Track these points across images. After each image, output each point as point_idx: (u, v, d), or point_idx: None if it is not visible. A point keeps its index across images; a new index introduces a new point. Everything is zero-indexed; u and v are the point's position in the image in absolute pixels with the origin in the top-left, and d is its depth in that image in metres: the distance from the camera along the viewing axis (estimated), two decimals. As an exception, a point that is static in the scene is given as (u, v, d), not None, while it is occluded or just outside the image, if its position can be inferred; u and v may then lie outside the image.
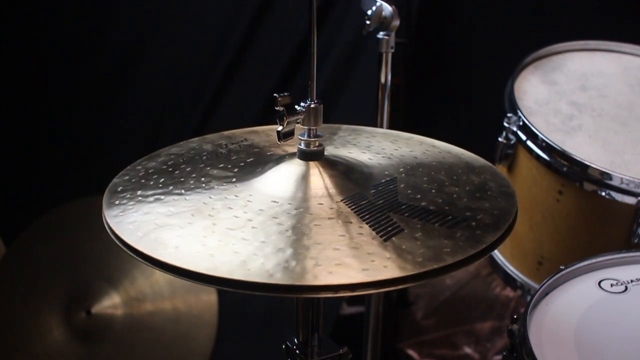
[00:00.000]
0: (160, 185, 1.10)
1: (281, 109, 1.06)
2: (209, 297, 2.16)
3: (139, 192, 1.08)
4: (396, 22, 1.57)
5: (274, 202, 1.03)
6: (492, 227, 1.00)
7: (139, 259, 0.96)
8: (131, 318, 2.13)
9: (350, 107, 2.26)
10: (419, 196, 1.06)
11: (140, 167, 1.16)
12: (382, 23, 1.57)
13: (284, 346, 1.20)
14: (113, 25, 2.49)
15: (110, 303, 2.14)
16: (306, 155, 1.10)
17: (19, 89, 2.55)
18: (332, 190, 1.05)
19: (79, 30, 2.50)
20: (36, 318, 2.19)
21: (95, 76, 2.52)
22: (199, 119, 2.41)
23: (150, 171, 1.15)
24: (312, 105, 1.08)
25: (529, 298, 1.27)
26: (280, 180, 1.07)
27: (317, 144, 1.10)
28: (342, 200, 1.03)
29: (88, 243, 2.20)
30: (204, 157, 1.18)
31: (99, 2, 2.49)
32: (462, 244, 0.95)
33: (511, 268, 1.77)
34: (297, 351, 1.18)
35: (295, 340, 1.18)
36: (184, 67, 2.47)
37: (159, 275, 2.12)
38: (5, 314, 2.25)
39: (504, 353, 1.21)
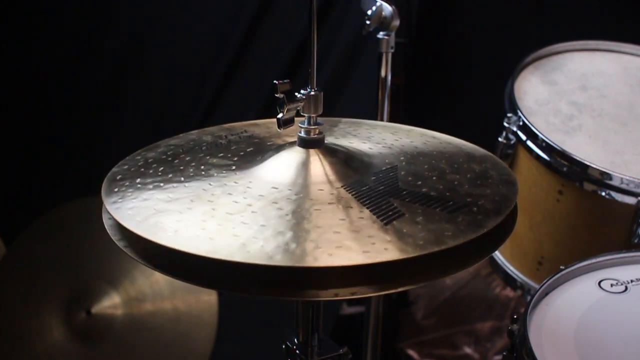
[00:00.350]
0: (160, 174, 1.09)
1: (281, 96, 1.06)
2: (209, 297, 2.16)
3: (138, 180, 1.08)
4: (396, 22, 1.57)
5: (274, 188, 1.03)
6: (493, 212, 0.99)
7: (139, 259, 0.96)
8: (131, 318, 2.13)
9: (351, 107, 2.26)
10: (419, 183, 1.06)
11: (139, 157, 1.16)
12: (382, 23, 1.57)
13: (284, 346, 1.20)
14: (113, 25, 2.49)
15: (110, 303, 2.14)
16: (306, 143, 1.10)
17: (19, 89, 2.55)
18: (332, 177, 1.05)
19: (79, 30, 2.50)
20: (36, 318, 2.19)
21: (96, 76, 2.52)
22: (199, 119, 2.41)
23: (149, 160, 1.14)
24: (312, 93, 1.08)
25: (529, 298, 1.27)
26: (280, 168, 1.07)
27: (317, 131, 1.10)
28: (342, 187, 1.03)
29: (88, 243, 2.20)
30: (204, 148, 1.17)
31: (99, 2, 2.49)
32: (464, 228, 0.95)
33: (511, 268, 1.77)
34: (297, 351, 1.18)
35: (295, 340, 1.18)
36: (184, 67, 2.47)
37: (159, 275, 2.12)
38: (5, 314, 2.25)
39: (504, 353, 1.21)
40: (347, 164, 1.08)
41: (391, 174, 1.07)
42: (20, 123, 2.57)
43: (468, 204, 1.00)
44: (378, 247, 0.90)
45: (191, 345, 2.14)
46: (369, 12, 1.55)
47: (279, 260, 0.88)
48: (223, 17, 2.39)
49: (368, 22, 1.55)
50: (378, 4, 1.55)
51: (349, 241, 0.91)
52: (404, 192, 1.02)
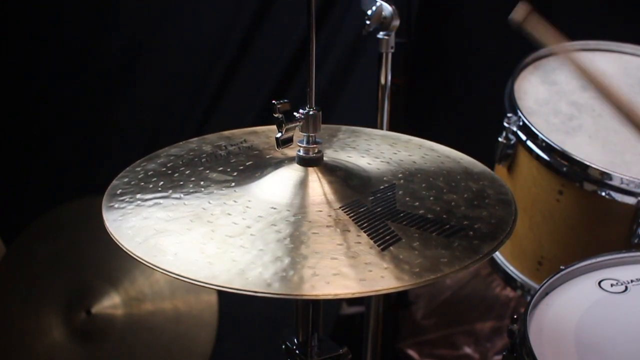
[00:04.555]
0: (160, 189, 1.10)
1: (280, 116, 1.06)
2: (209, 297, 2.16)
3: (138, 196, 1.08)
4: (396, 22, 1.57)
5: (273, 208, 1.03)
6: (489, 236, 1.00)
7: (141, 260, 0.96)
8: (131, 318, 2.13)
9: (351, 107, 2.25)
10: (417, 204, 1.06)
11: (139, 169, 1.16)
12: (382, 23, 1.56)
13: (284, 346, 1.20)
14: (113, 26, 2.49)
15: (110, 303, 2.14)
16: (305, 162, 1.10)
17: (19, 89, 2.55)
18: (331, 197, 1.05)
19: (79, 30, 2.49)
20: (36, 318, 2.19)
21: (95, 76, 2.52)
22: (199, 119, 2.41)
23: (149, 173, 1.15)
24: (311, 112, 1.08)
25: (529, 298, 1.27)
26: (279, 186, 1.07)
27: (316, 150, 1.10)
28: (340, 208, 1.03)
29: (88, 243, 2.20)
30: (203, 160, 1.18)
31: (100, 3, 2.49)
32: (459, 254, 0.96)
33: (511, 268, 1.77)
34: (297, 351, 1.18)
35: (295, 340, 1.19)
36: (185, 67, 2.47)
37: (159, 275, 2.12)
38: (5, 314, 2.25)
39: (504, 353, 1.21)
40: (346, 183, 1.08)
41: (389, 194, 1.08)
42: (20, 123, 2.56)
43: (464, 228, 1.01)
44: (374, 275, 0.91)
45: (191, 345, 2.14)
46: (369, 12, 1.55)
47: (276, 288, 0.89)
48: (223, 17, 2.39)
49: (368, 22, 1.55)
50: (378, 4, 1.55)
51: (346, 268, 0.92)
52: (401, 215, 1.02)
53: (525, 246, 1.71)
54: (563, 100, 1.74)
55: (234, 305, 2.21)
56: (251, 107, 2.37)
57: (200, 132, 2.36)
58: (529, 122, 1.64)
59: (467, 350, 2.22)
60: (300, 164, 1.10)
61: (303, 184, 1.07)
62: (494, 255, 1.81)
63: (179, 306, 2.14)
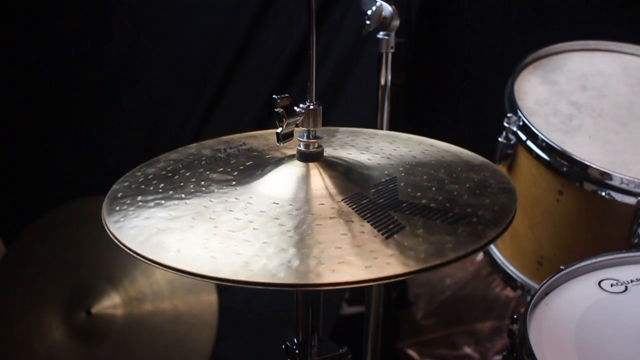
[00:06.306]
0: (160, 191, 1.10)
1: (280, 110, 1.06)
2: (209, 297, 2.16)
3: (139, 198, 1.08)
4: (396, 22, 1.57)
5: (275, 203, 1.03)
6: (493, 222, 1.00)
7: (142, 258, 0.96)
8: (131, 318, 2.13)
9: (350, 107, 2.26)
10: (419, 194, 1.06)
11: (139, 174, 1.16)
12: (382, 23, 1.57)
13: (284, 346, 1.20)
14: (113, 28, 2.49)
15: (110, 303, 2.14)
16: (306, 157, 1.10)
17: (19, 90, 2.55)
18: (333, 191, 1.06)
19: (79, 31, 2.50)
20: (36, 318, 2.19)
21: (95, 77, 2.52)
22: (198, 120, 2.41)
23: (149, 177, 1.15)
24: (311, 107, 1.08)
25: (529, 298, 1.27)
26: (280, 182, 1.07)
27: (316, 145, 1.10)
28: (343, 200, 1.03)
29: (88, 243, 2.20)
30: (203, 162, 1.18)
31: (99, 4, 2.49)
32: (464, 240, 0.96)
33: (511, 268, 1.77)
34: (297, 351, 1.18)
35: (295, 340, 1.19)
36: (185, 67, 2.47)
37: (159, 275, 2.12)
38: (5, 314, 2.25)
39: (504, 353, 1.21)
40: (347, 177, 1.09)
41: (391, 186, 1.08)
42: (20, 123, 2.57)
43: (468, 215, 1.01)
44: (380, 262, 0.91)
45: (191, 345, 2.14)
46: (369, 12, 1.55)
47: (282, 278, 0.89)
48: (222, 17, 2.39)
49: (368, 22, 1.55)
50: (378, 4, 1.55)
51: (351, 256, 0.92)
52: (404, 205, 1.03)
53: (525, 246, 1.71)
54: (563, 100, 1.74)
55: (234, 306, 2.22)
56: (251, 107, 2.37)
57: (200, 132, 2.38)
58: (529, 122, 1.64)
59: (467, 350, 2.22)
60: (300, 160, 1.10)
61: (304, 179, 1.07)
62: (494, 255, 1.81)
63: (179, 306, 2.14)
